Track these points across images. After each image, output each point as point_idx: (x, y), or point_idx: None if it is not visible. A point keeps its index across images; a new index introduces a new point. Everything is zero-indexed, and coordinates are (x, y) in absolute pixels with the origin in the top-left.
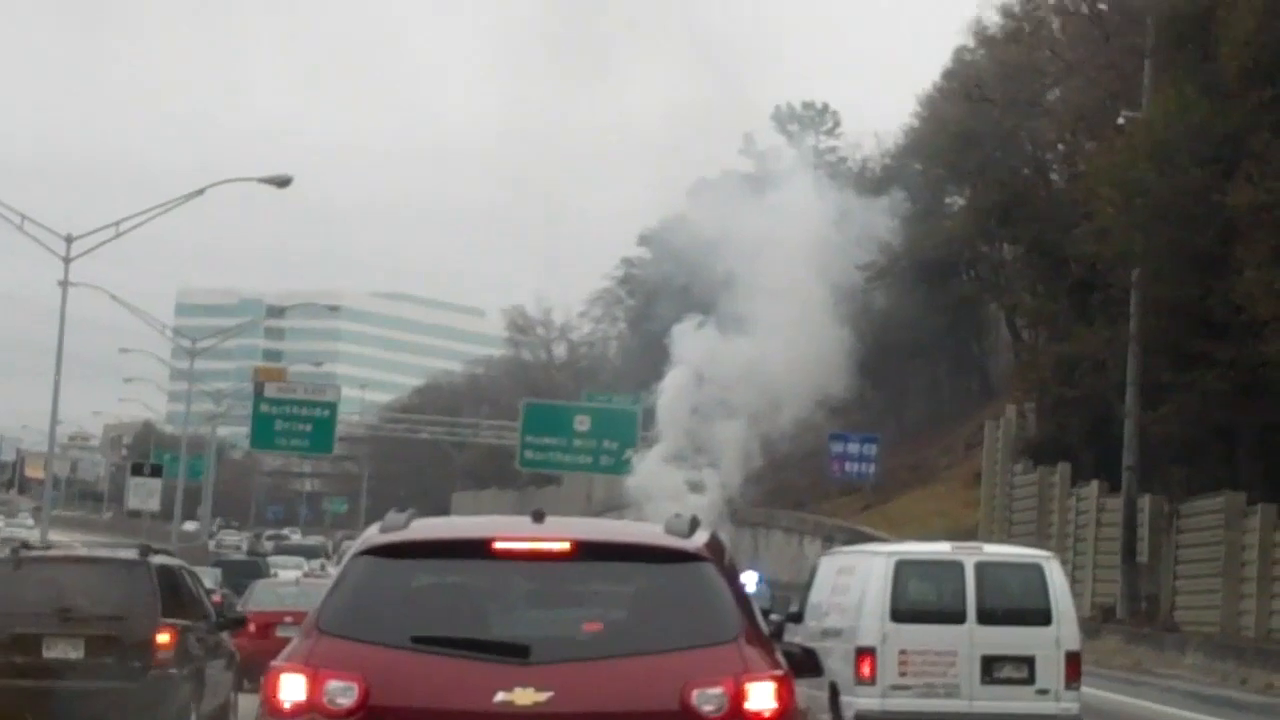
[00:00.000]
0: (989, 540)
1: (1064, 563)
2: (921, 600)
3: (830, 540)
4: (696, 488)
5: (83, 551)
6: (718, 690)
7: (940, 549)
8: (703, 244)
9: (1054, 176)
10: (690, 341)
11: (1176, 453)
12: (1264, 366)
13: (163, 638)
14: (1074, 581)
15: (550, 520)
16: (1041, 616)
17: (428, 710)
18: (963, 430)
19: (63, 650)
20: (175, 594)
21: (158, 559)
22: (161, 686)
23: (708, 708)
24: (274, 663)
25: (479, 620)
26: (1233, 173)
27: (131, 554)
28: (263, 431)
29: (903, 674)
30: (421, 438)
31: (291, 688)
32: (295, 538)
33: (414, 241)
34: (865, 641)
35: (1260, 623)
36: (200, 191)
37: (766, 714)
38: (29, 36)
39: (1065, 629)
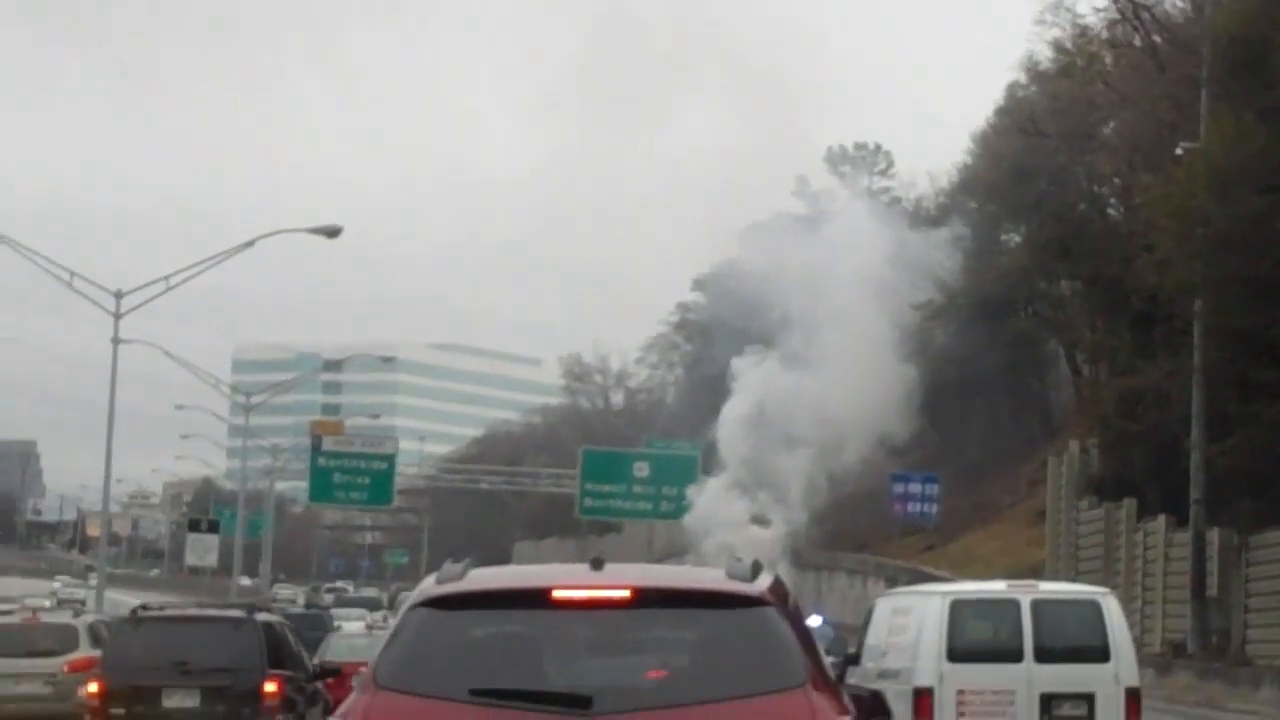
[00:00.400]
0: (1055, 578)
1: (1133, 599)
2: (978, 639)
3: (893, 582)
4: (760, 520)
5: (194, 611)
6: None
7: (996, 588)
8: (758, 284)
9: (1110, 211)
10: (751, 373)
11: (1244, 485)
12: None
13: (270, 687)
14: (1143, 617)
15: (609, 567)
16: (1100, 653)
17: None
18: (1025, 468)
19: (180, 700)
20: (278, 648)
21: (262, 616)
22: None
23: None
24: (330, 719)
25: (539, 671)
26: None
27: (239, 613)
28: (321, 485)
29: (961, 714)
30: (481, 488)
31: None
32: (349, 591)
33: (468, 292)
34: (923, 682)
35: None
36: (250, 243)
37: None
38: (77, 90)
39: (1124, 665)
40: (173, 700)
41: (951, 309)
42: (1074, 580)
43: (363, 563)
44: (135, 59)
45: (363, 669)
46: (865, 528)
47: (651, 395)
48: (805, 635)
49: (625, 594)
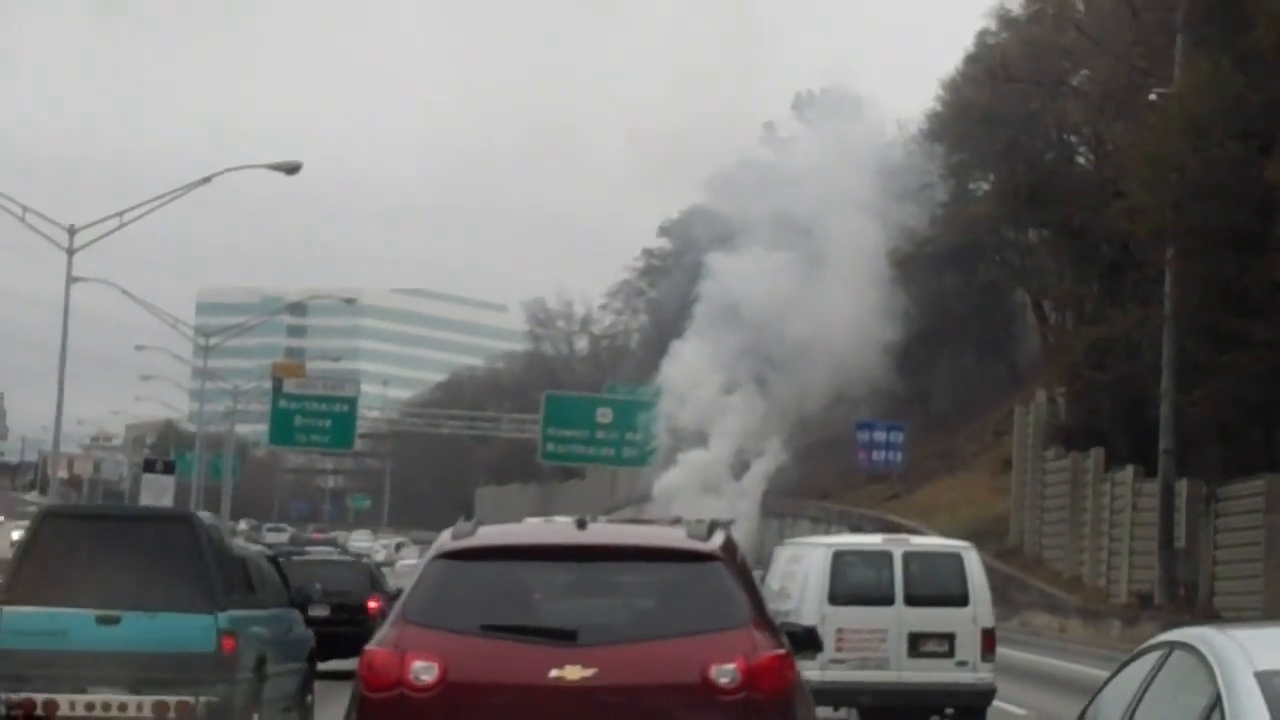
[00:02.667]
0: (1020, 529)
1: (1099, 549)
2: (856, 585)
3: (858, 530)
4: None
5: (323, 554)
6: (731, 666)
7: (873, 540)
8: (725, 230)
9: (1080, 159)
10: (726, 265)
11: (1213, 435)
12: None
13: (372, 605)
14: (1109, 568)
15: (592, 527)
16: (960, 599)
17: (495, 684)
18: (991, 418)
19: (317, 612)
20: (375, 579)
21: (366, 560)
22: (371, 629)
23: (723, 680)
24: (368, 647)
25: (535, 610)
26: (1271, 147)
27: (353, 556)
28: (282, 427)
29: (839, 649)
30: (443, 433)
31: (383, 667)
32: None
33: (433, 239)
34: (807, 622)
35: None
36: (208, 179)
37: (771, 686)
38: (33, 32)
39: (981, 609)
40: (314, 612)
41: (919, 257)
42: (1040, 529)
43: (325, 506)
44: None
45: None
46: (829, 476)
47: (615, 341)
48: (749, 583)
49: (605, 549)
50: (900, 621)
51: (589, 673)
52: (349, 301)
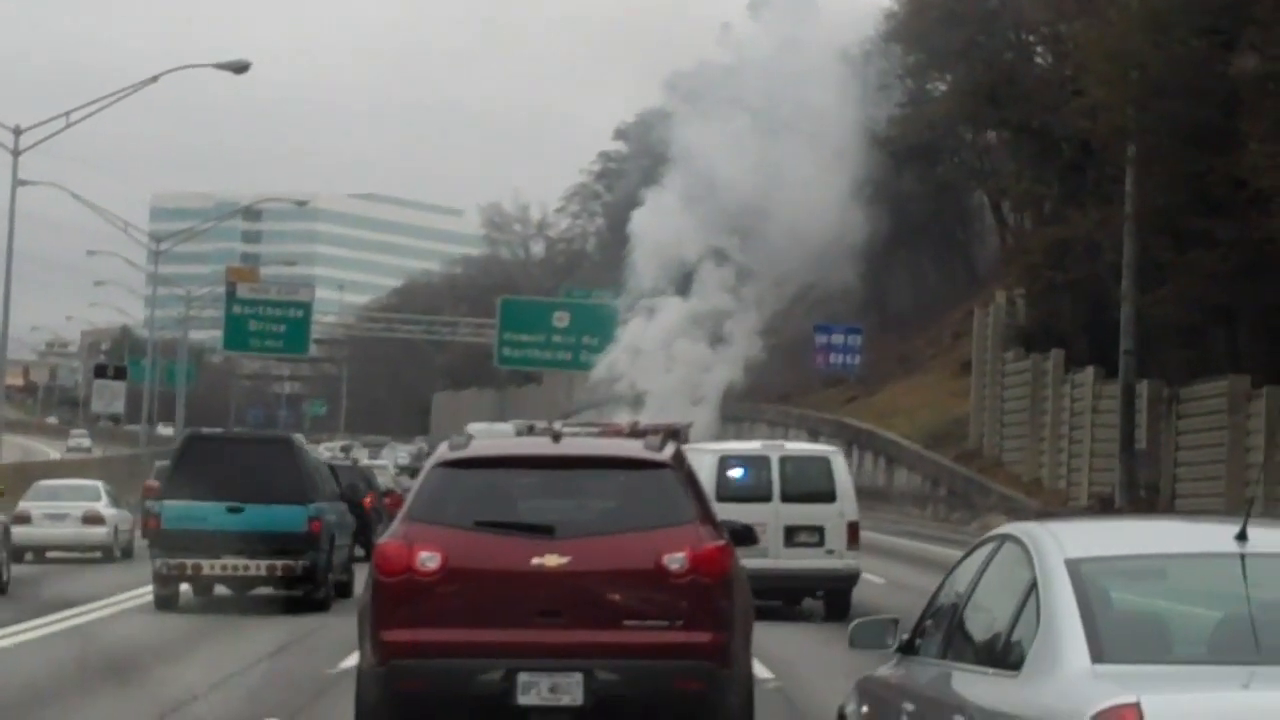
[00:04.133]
0: (980, 430)
1: (1059, 450)
2: (739, 485)
3: (815, 434)
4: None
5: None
6: (681, 555)
7: (753, 446)
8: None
9: (1039, 59)
10: (695, 136)
11: (1176, 336)
12: (1268, 243)
13: (367, 500)
14: (1069, 470)
15: (565, 440)
16: (828, 496)
17: (486, 570)
18: (949, 319)
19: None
20: (369, 479)
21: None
22: (367, 519)
23: (674, 567)
24: (379, 540)
25: (519, 509)
26: (1235, 43)
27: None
28: (236, 333)
29: None
30: (399, 338)
31: (394, 556)
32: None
33: (388, 142)
34: None
35: (1268, 509)
36: (155, 79)
37: (714, 570)
38: None
39: (846, 505)
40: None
41: (876, 158)
42: (1000, 431)
43: (280, 412)
44: None
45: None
46: (787, 379)
47: (572, 245)
48: (696, 487)
49: (576, 459)
50: (777, 516)
51: (564, 560)
52: (301, 204)
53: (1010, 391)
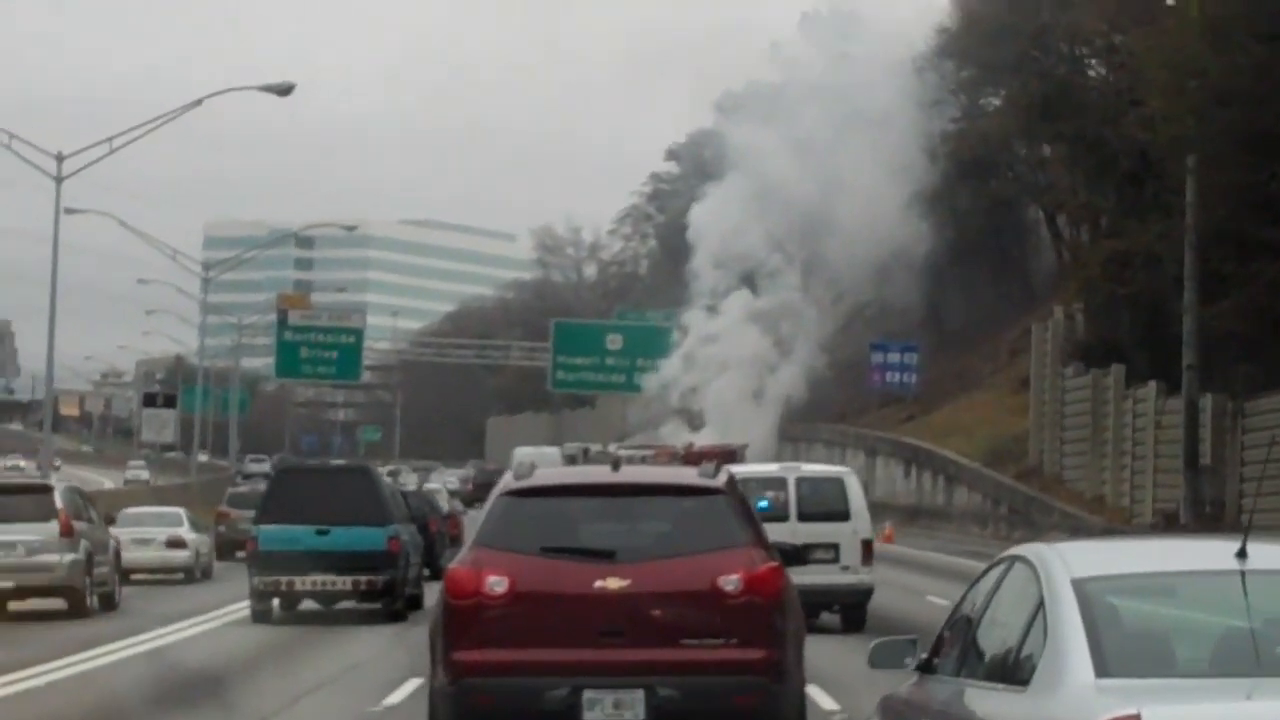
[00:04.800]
0: (1039, 448)
1: (1122, 467)
2: (756, 506)
3: (872, 453)
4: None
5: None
6: (735, 577)
7: (770, 469)
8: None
9: (1092, 72)
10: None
11: (1238, 349)
12: None
13: (433, 525)
14: (1133, 487)
15: (624, 469)
16: (842, 515)
17: (551, 593)
18: (1006, 336)
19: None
20: (434, 504)
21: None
22: (432, 540)
23: (729, 588)
24: (450, 566)
25: (581, 535)
26: None
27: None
28: (287, 360)
29: None
30: (452, 363)
31: (464, 581)
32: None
33: (442, 168)
34: None
35: None
36: (198, 102)
37: (767, 591)
38: None
39: (860, 523)
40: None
41: (931, 173)
42: (1060, 448)
43: (335, 439)
44: None
45: None
46: (843, 398)
47: (624, 268)
48: (748, 511)
49: (634, 487)
50: (794, 534)
51: (625, 583)
52: (350, 229)
53: (1070, 408)
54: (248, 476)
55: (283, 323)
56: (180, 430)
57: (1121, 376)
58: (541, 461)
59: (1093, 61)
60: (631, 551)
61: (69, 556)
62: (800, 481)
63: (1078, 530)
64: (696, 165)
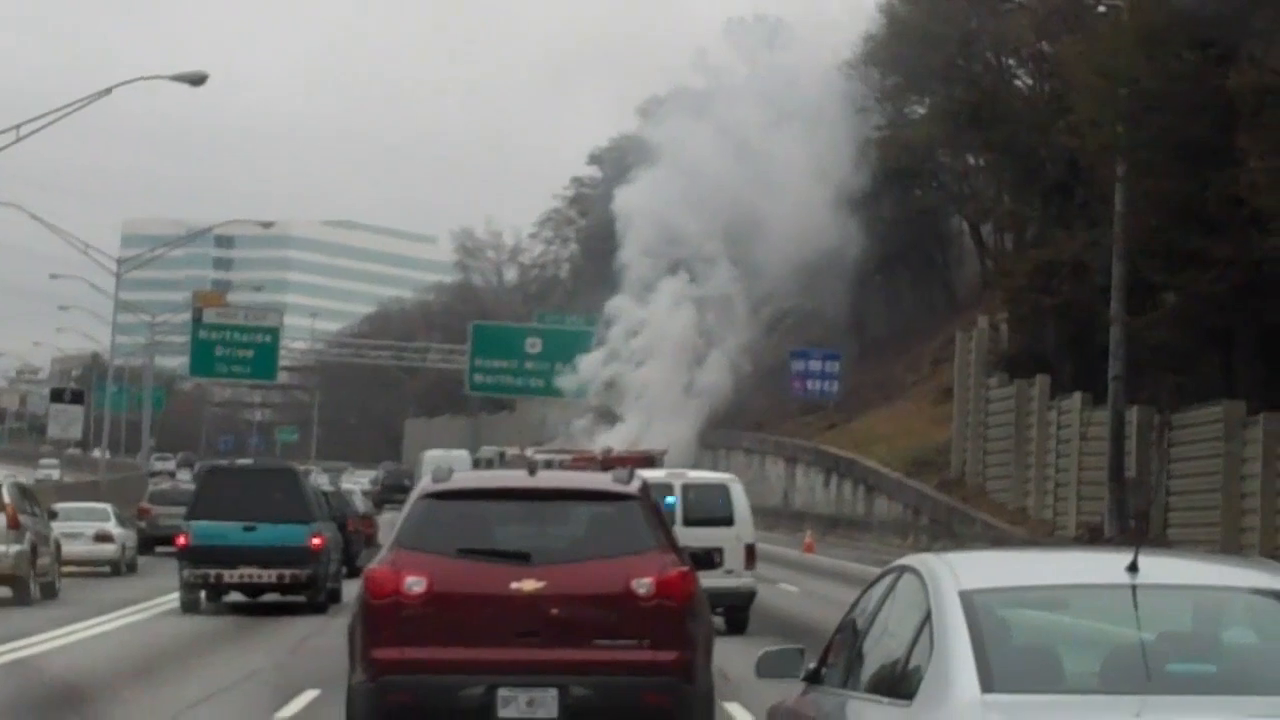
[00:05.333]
0: (961, 456)
1: (1045, 479)
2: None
3: (792, 462)
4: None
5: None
6: (648, 580)
7: (658, 474)
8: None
9: (1019, 83)
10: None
11: (1168, 361)
12: (1265, 264)
13: (349, 524)
14: (1056, 499)
15: (540, 474)
16: (727, 520)
17: (468, 594)
18: (928, 346)
19: None
20: (349, 504)
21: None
22: (349, 538)
23: (641, 590)
24: (369, 566)
25: (498, 538)
26: (1232, 56)
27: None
28: (202, 358)
29: None
30: (370, 364)
31: (383, 581)
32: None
33: (363, 171)
34: None
35: (1265, 540)
36: (108, 91)
37: (678, 594)
38: None
39: (744, 529)
40: None
41: (860, 178)
42: (983, 459)
43: (252, 439)
44: None
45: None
46: (764, 406)
47: (545, 271)
48: (659, 517)
49: (550, 491)
50: (680, 539)
51: (540, 585)
52: (267, 225)
53: (994, 418)
54: (154, 474)
55: (198, 321)
56: (94, 428)
57: (1046, 387)
58: (449, 465)
59: (1019, 71)
60: (547, 554)
61: (14, 548)
62: (687, 488)
63: (999, 542)
64: (619, 169)
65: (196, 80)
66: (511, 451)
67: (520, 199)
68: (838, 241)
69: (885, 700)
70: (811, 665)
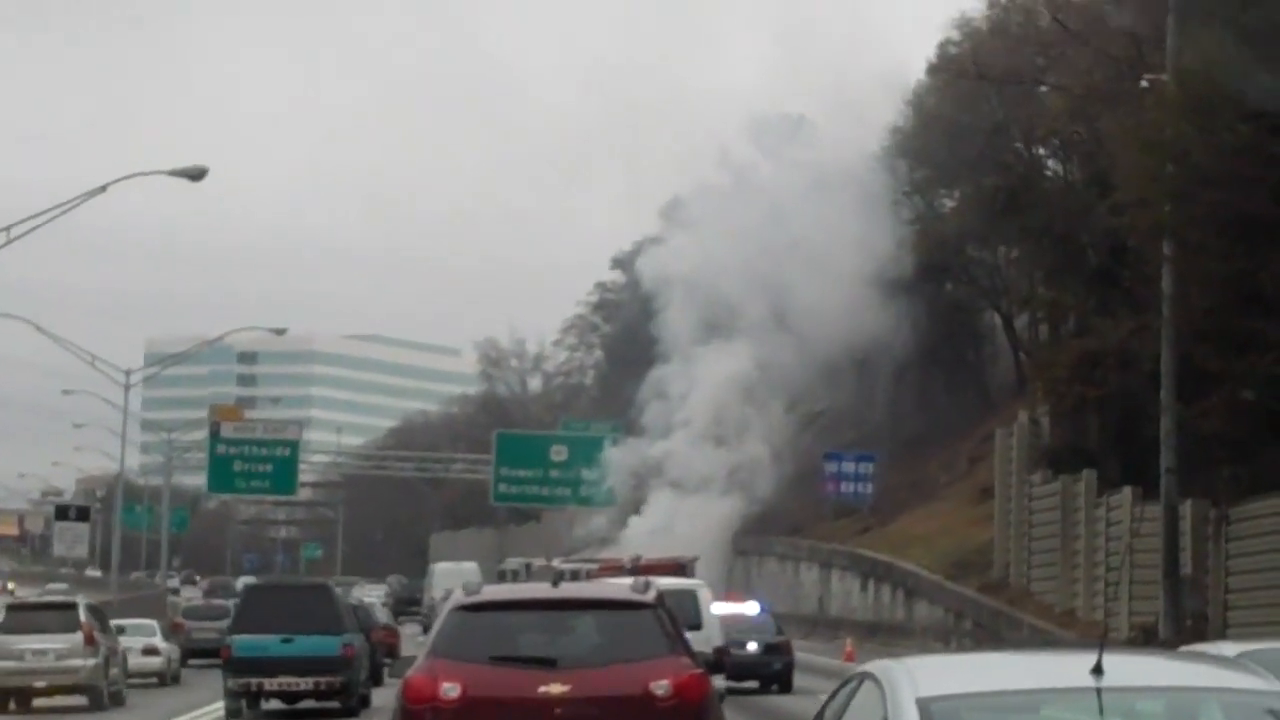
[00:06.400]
0: (1004, 558)
1: (1095, 579)
2: None
3: (827, 567)
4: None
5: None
6: (665, 682)
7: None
8: (687, 262)
9: (1049, 171)
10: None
11: (1223, 451)
12: None
13: (374, 635)
14: (1107, 599)
15: (564, 585)
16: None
17: (500, 699)
18: (963, 445)
19: None
20: (374, 617)
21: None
22: (374, 648)
23: (659, 692)
24: (408, 673)
25: (525, 645)
26: None
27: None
28: (220, 473)
29: None
30: (396, 478)
31: (421, 687)
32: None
33: (382, 285)
34: None
35: None
36: (103, 188)
37: (693, 695)
38: None
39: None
40: None
41: (882, 280)
42: (1028, 559)
43: (277, 557)
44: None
45: None
46: (796, 509)
47: (570, 379)
48: (675, 624)
49: (573, 602)
50: None
51: (566, 688)
52: (279, 332)
53: (1038, 516)
54: (174, 592)
55: (215, 435)
56: (114, 548)
57: (1093, 482)
58: (459, 577)
59: (1049, 162)
60: (571, 660)
61: (91, 661)
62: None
63: (1050, 646)
64: (643, 273)
65: (196, 175)
66: (538, 563)
67: (544, 307)
68: (878, 335)
69: None
70: None
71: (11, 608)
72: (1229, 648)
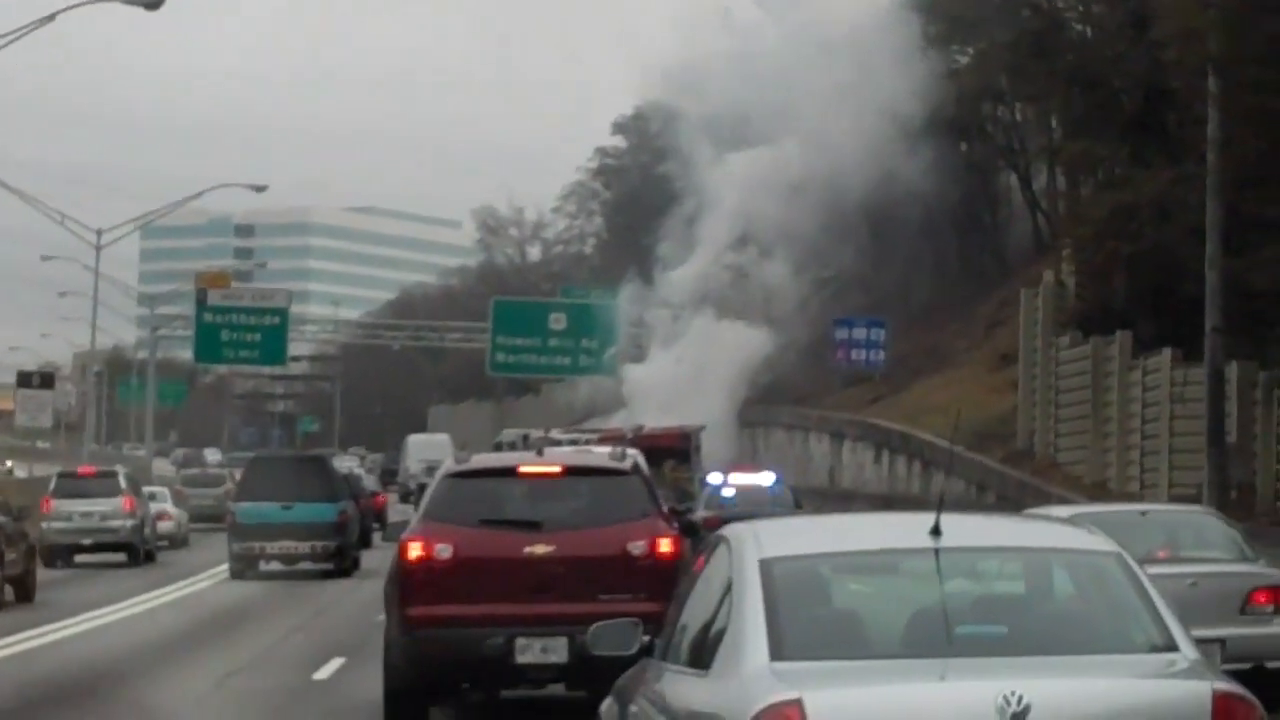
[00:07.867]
0: (1029, 426)
1: (1129, 447)
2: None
3: (838, 437)
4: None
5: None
6: (641, 543)
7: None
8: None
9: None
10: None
11: (1273, 309)
12: None
13: (365, 500)
14: (1144, 470)
15: (548, 452)
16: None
17: (488, 558)
18: (980, 309)
19: None
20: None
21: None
22: (363, 514)
23: (636, 553)
24: (403, 535)
25: (512, 509)
26: None
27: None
28: (207, 343)
29: None
30: (391, 349)
31: (415, 548)
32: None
33: (384, 160)
34: None
35: None
36: (51, 17)
37: (667, 556)
38: None
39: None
40: None
41: (899, 138)
42: (1055, 428)
43: (274, 431)
44: None
45: None
46: (804, 379)
47: (570, 247)
48: (651, 489)
49: (556, 469)
50: None
51: (549, 549)
52: (260, 189)
53: (1065, 382)
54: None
55: (202, 304)
56: (110, 420)
57: (1128, 345)
58: (432, 448)
59: (1078, 6)
60: (554, 523)
61: (130, 522)
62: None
63: None
64: (643, 139)
65: (151, 4)
66: (536, 434)
67: (543, 174)
68: (892, 195)
69: (690, 671)
70: (646, 639)
71: (61, 475)
72: (1062, 510)
